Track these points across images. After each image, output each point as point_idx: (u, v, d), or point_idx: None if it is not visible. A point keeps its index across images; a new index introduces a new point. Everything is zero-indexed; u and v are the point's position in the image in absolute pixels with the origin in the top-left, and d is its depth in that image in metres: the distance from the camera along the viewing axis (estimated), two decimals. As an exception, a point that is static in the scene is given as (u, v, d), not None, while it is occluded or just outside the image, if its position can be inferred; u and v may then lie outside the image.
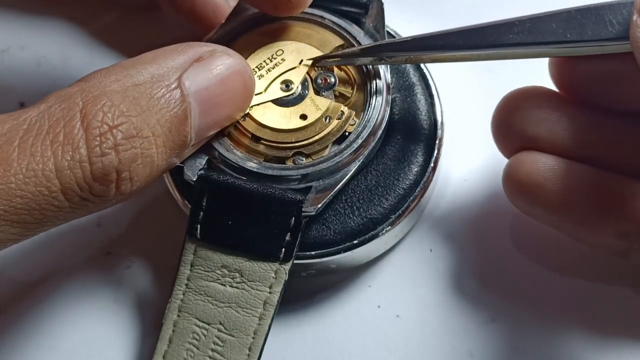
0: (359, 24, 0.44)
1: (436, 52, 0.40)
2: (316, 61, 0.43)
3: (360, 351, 0.44)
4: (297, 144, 0.41)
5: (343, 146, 0.41)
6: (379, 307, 0.45)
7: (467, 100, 0.48)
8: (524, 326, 0.44)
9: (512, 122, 0.41)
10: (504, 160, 0.45)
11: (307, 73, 0.43)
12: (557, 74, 0.42)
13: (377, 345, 0.44)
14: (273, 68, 0.43)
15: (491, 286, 0.45)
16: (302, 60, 0.43)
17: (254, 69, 0.42)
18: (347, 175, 0.41)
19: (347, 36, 0.43)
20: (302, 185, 0.41)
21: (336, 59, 0.43)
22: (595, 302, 0.44)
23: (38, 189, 0.32)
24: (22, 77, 0.51)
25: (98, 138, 0.33)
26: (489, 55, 0.40)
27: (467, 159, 0.47)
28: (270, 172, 0.41)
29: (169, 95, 0.35)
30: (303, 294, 0.45)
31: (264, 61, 0.43)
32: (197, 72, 0.37)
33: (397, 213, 0.43)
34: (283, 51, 0.43)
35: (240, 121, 0.41)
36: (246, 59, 0.42)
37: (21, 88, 0.51)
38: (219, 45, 0.39)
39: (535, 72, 0.42)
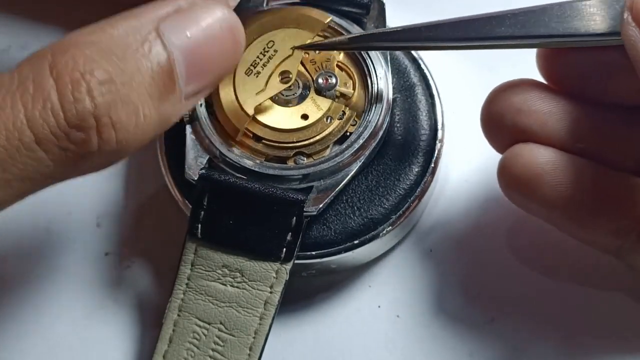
0: (360, 24, 0.44)
1: (426, 43, 0.40)
2: (303, 49, 0.42)
3: (360, 351, 0.44)
4: (298, 144, 0.41)
5: (344, 146, 0.41)
6: (379, 307, 0.45)
7: (467, 100, 0.48)
8: (524, 326, 0.44)
9: (502, 115, 0.41)
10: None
11: (307, 71, 0.43)
12: (546, 65, 0.41)
13: (377, 345, 0.44)
14: (267, 62, 0.42)
15: (491, 286, 0.45)
16: (293, 48, 0.42)
17: (249, 67, 0.42)
18: (348, 175, 0.41)
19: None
20: (303, 185, 0.41)
21: (323, 46, 0.42)
22: (595, 303, 0.44)
23: (11, 143, 0.31)
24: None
25: (69, 85, 0.32)
26: (479, 45, 0.39)
27: (468, 159, 0.47)
28: (271, 171, 0.41)
29: (148, 45, 0.34)
30: (303, 294, 0.45)
31: (257, 57, 0.42)
32: (177, 21, 0.35)
33: (398, 213, 0.43)
34: (273, 42, 0.43)
35: None
36: None
37: (21, 88, 0.50)
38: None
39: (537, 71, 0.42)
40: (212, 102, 0.42)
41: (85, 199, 0.47)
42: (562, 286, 0.45)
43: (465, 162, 0.47)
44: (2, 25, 0.52)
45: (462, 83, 0.49)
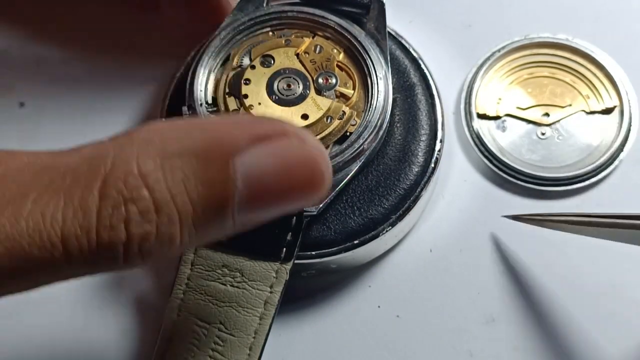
0: (360, 24, 0.44)
1: None
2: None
3: (360, 351, 0.44)
4: None
5: (344, 146, 0.41)
6: (379, 307, 0.45)
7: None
8: (524, 326, 0.44)
9: None
10: (504, 161, 0.45)
11: (307, 71, 0.43)
12: None
13: (377, 345, 0.44)
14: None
15: (491, 286, 0.45)
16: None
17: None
18: (348, 175, 0.41)
19: (349, 36, 0.43)
20: (303, 185, 0.41)
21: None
22: (595, 302, 0.44)
23: (40, 238, 0.30)
24: (22, 77, 0.51)
25: (110, 209, 0.31)
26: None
27: (468, 159, 0.48)
28: None
29: (214, 172, 0.31)
30: (303, 294, 0.45)
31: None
32: (256, 152, 0.32)
33: (398, 213, 0.43)
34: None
35: None
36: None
37: (21, 88, 0.50)
38: (292, 125, 0.33)
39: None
40: (218, 108, 0.42)
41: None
42: (563, 285, 0.45)
43: (465, 162, 0.48)
44: (2, 25, 0.52)
45: (462, 83, 0.49)
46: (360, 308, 0.45)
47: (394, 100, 0.44)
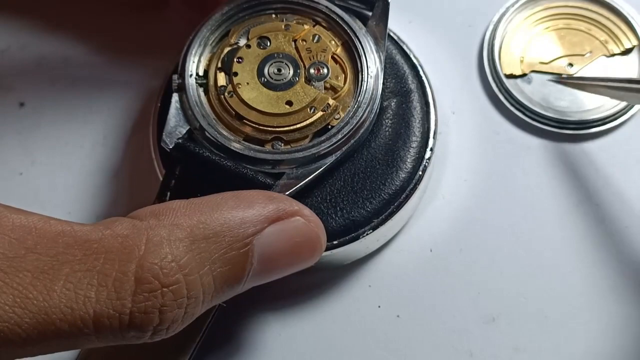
0: (363, 21, 0.44)
1: None
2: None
3: (360, 351, 0.44)
4: (278, 129, 0.41)
5: (322, 139, 0.41)
6: (379, 307, 0.44)
7: (467, 100, 0.48)
8: (524, 326, 0.43)
9: None
10: (504, 160, 0.46)
11: (300, 59, 0.43)
12: None
13: (377, 345, 0.44)
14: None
15: (491, 286, 0.44)
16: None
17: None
18: (321, 167, 0.41)
19: (348, 30, 0.43)
20: (275, 171, 0.41)
21: None
22: (596, 301, 0.44)
23: (71, 329, 0.31)
24: (22, 77, 0.51)
25: (146, 294, 0.32)
26: None
27: (467, 158, 0.47)
28: (246, 152, 0.41)
29: (235, 255, 0.35)
30: (302, 293, 0.45)
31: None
32: (270, 234, 0.36)
33: (380, 217, 0.42)
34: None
35: (227, 98, 0.42)
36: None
37: (21, 88, 0.51)
38: (300, 204, 0.38)
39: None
40: (207, 82, 0.43)
41: (85, 199, 0.48)
42: (563, 285, 0.44)
43: (465, 161, 0.47)
44: (2, 25, 0.53)
45: (462, 83, 0.49)
46: (360, 308, 0.45)
47: (388, 104, 0.44)
